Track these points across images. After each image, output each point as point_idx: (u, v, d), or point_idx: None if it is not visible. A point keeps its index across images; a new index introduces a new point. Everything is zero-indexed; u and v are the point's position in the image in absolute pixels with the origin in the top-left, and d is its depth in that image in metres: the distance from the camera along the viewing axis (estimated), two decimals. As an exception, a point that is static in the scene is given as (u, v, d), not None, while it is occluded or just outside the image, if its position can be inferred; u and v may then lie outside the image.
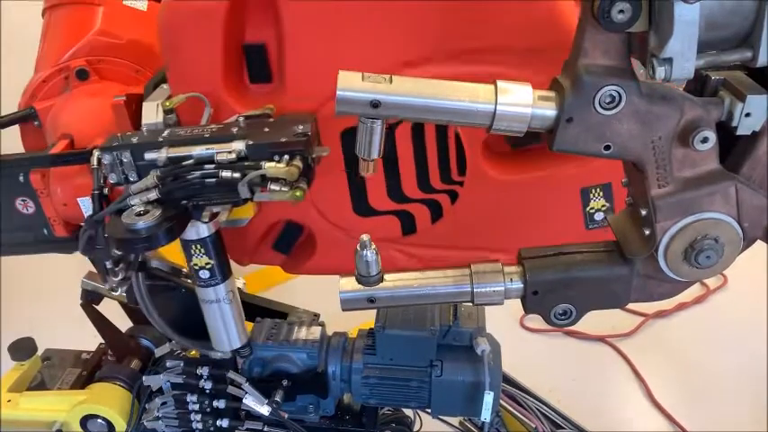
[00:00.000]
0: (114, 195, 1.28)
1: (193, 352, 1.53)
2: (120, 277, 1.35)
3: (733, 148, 0.88)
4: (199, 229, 1.26)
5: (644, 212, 0.89)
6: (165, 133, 1.20)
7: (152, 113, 1.30)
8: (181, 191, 1.14)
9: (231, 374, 1.48)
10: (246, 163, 1.13)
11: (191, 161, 1.15)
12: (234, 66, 1.27)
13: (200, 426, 1.57)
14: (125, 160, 1.18)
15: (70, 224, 1.53)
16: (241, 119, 1.22)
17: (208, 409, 1.53)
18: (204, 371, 1.49)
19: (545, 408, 2.35)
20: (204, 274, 1.33)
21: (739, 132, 0.84)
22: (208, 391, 1.51)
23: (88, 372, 1.73)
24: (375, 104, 0.84)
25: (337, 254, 1.42)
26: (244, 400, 1.47)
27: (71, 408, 1.62)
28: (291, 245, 1.49)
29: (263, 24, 1.23)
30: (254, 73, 1.29)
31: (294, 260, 1.51)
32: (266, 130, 1.18)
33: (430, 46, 1.16)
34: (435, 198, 1.36)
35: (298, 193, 1.10)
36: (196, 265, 1.32)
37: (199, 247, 1.29)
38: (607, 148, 0.85)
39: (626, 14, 0.77)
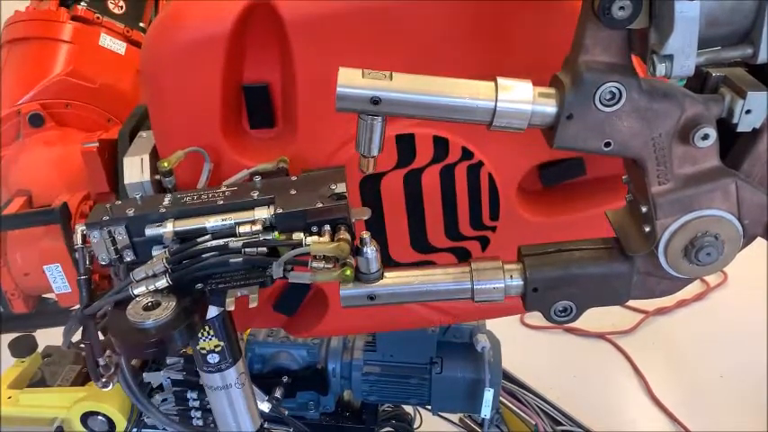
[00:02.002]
0: (96, 270, 1.07)
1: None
2: (112, 371, 1.10)
3: (733, 145, 0.88)
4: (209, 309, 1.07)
5: (644, 209, 0.89)
6: (167, 201, 1.01)
7: (136, 171, 1.10)
8: (196, 275, 0.95)
9: (231, 371, 1.48)
10: (277, 236, 0.94)
11: (206, 237, 0.96)
12: (233, 110, 1.11)
13: (200, 422, 1.57)
14: (119, 237, 0.98)
15: (31, 297, 1.33)
16: (257, 178, 1.04)
17: (208, 406, 1.53)
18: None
19: (545, 405, 2.35)
20: (213, 359, 1.14)
21: (740, 129, 0.84)
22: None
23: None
24: (375, 101, 0.83)
25: (353, 313, 1.21)
26: (244, 397, 1.46)
27: (71, 405, 1.63)
28: (297, 305, 1.31)
29: (266, 62, 1.07)
30: (255, 118, 1.12)
31: (301, 322, 1.33)
32: (293, 192, 0.99)
33: (482, 67, 1.02)
34: (464, 246, 1.24)
35: (348, 272, 0.91)
36: (203, 349, 1.13)
37: (207, 329, 1.10)
38: (607, 144, 0.85)
39: (626, 11, 0.77)
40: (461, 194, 1.18)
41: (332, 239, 0.92)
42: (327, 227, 0.94)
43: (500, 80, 0.84)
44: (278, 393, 1.53)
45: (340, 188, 0.99)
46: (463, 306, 1.28)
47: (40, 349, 1.81)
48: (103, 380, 1.07)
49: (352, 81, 0.83)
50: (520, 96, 0.83)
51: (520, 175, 1.18)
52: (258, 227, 0.94)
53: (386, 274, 0.95)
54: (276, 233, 0.95)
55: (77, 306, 1.23)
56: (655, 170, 0.86)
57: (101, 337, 1.04)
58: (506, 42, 1.04)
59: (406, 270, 0.98)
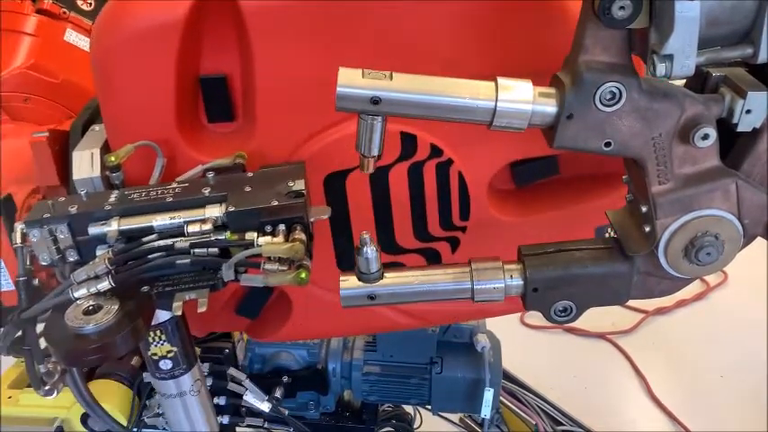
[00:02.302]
0: (38, 271, 1.01)
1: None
2: (56, 378, 1.01)
3: (733, 145, 0.88)
4: (159, 314, 1.01)
5: (644, 209, 0.89)
6: (113, 198, 0.95)
7: (86, 166, 1.04)
8: (142, 277, 0.89)
9: (232, 371, 1.48)
10: (229, 236, 0.89)
11: (152, 236, 0.90)
12: (189, 103, 1.05)
13: (200, 422, 1.57)
14: (61, 236, 0.92)
15: None
16: (211, 174, 0.97)
17: (208, 406, 1.53)
18: (204, 368, 1.48)
19: (545, 404, 2.35)
20: (166, 365, 1.08)
21: (740, 129, 0.84)
22: (208, 388, 1.47)
23: (89, 368, 1.72)
24: (375, 101, 0.83)
25: (318, 316, 1.21)
26: (244, 397, 1.47)
27: (72, 405, 1.63)
28: (259, 309, 1.26)
29: (224, 52, 1.02)
30: (213, 111, 1.06)
31: (263, 325, 1.30)
32: (248, 189, 0.94)
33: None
34: (433, 247, 1.21)
35: (303, 275, 0.87)
36: (155, 354, 1.07)
37: (158, 333, 1.05)
38: (608, 144, 0.85)
39: (627, 11, 0.77)
40: (430, 193, 1.15)
41: (286, 240, 0.87)
42: (282, 226, 0.89)
43: (500, 80, 0.84)
44: (278, 393, 1.53)
45: (298, 185, 0.94)
46: (429, 308, 1.26)
47: (40, 349, 1.81)
48: (46, 388, 0.99)
49: (352, 81, 0.83)
50: (520, 96, 0.83)
51: (491, 173, 1.15)
52: (209, 226, 0.89)
53: (386, 273, 0.95)
54: (228, 233, 0.90)
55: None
56: (655, 170, 0.86)
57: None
58: (503, 42, 1.02)
59: (405, 270, 0.98)
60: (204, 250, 0.88)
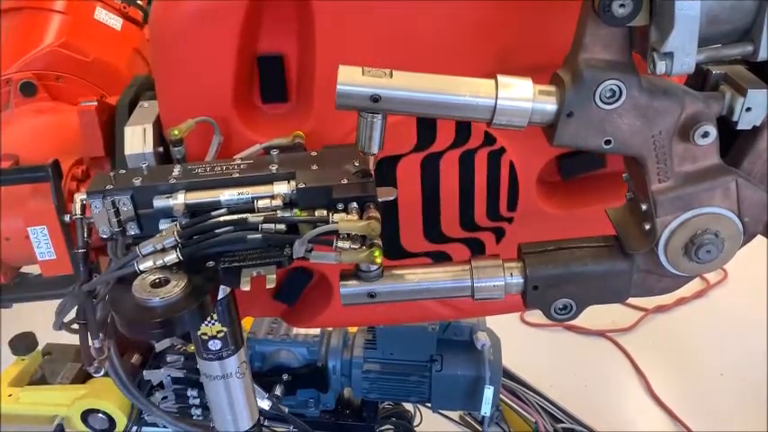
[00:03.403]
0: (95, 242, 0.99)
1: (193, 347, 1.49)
2: (105, 355, 1.03)
3: (734, 142, 0.88)
4: None
5: (644, 207, 0.89)
6: (176, 171, 0.93)
7: (138, 141, 1.04)
8: (210, 251, 0.88)
9: (232, 369, 1.48)
10: (298, 213, 0.88)
11: (221, 210, 0.89)
12: (245, 82, 1.06)
13: (200, 420, 1.57)
14: (123, 208, 0.90)
15: (11, 268, 1.24)
16: (275, 152, 0.96)
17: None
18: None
19: (545, 402, 2.36)
20: (215, 345, 1.06)
21: (740, 127, 0.84)
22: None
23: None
24: (375, 99, 0.83)
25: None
26: (244, 395, 1.46)
27: (72, 402, 1.63)
28: (298, 294, 1.24)
29: (283, 31, 1.02)
30: (268, 91, 1.07)
31: (301, 311, 1.28)
32: (314, 167, 0.93)
33: (491, 63, 0.98)
34: (478, 237, 1.20)
35: (376, 253, 0.85)
36: (205, 334, 1.05)
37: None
38: (608, 142, 0.85)
39: (627, 9, 0.77)
40: (480, 182, 1.14)
41: (360, 218, 0.86)
42: (355, 204, 0.87)
43: (500, 78, 0.84)
44: (278, 391, 1.53)
45: (363, 165, 0.92)
46: (470, 300, 1.26)
47: (40, 347, 1.82)
48: (95, 364, 1.00)
49: (352, 79, 0.83)
50: (520, 94, 0.83)
51: (541, 164, 1.14)
52: (278, 202, 0.88)
53: (386, 272, 0.95)
54: (297, 210, 0.88)
55: (61, 276, 1.17)
56: (655, 168, 0.86)
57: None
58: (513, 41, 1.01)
59: (405, 268, 0.98)
60: (272, 226, 0.86)
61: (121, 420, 1.63)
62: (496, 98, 0.83)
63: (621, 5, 0.76)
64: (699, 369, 2.89)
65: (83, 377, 1.72)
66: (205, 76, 1.01)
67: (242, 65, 1.02)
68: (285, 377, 1.57)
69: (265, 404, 1.47)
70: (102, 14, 1.57)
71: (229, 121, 1.04)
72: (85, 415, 1.63)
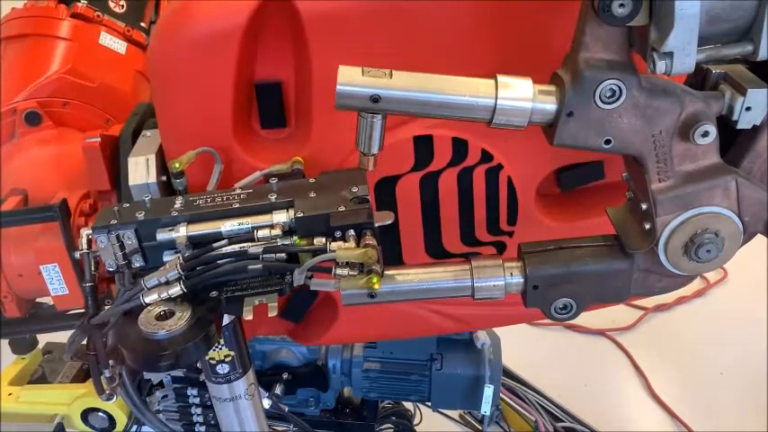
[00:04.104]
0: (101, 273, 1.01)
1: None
2: (116, 383, 1.05)
3: (733, 142, 0.88)
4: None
5: (644, 207, 0.89)
6: (178, 204, 0.95)
7: (142, 172, 1.05)
8: (212, 282, 0.90)
9: (232, 368, 1.48)
10: (297, 242, 0.89)
11: (222, 242, 0.90)
12: (244, 109, 1.06)
13: (200, 419, 1.57)
14: (128, 242, 0.92)
15: (25, 300, 1.26)
16: (274, 180, 0.97)
17: (208, 402, 1.53)
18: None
19: (545, 401, 2.36)
20: (222, 369, 1.09)
21: (740, 126, 0.84)
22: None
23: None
24: (375, 99, 0.83)
25: (364, 320, 1.19)
26: (244, 394, 1.47)
27: (72, 401, 1.63)
28: (304, 312, 1.27)
29: (279, 59, 1.03)
30: (267, 117, 1.08)
31: (307, 329, 1.30)
32: (312, 195, 0.94)
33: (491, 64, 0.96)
34: (480, 252, 1.21)
35: (374, 280, 0.86)
36: (213, 359, 1.08)
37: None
38: (607, 142, 0.85)
39: (626, 8, 0.77)
40: (479, 198, 1.15)
41: (357, 245, 0.88)
42: (352, 232, 0.89)
43: (500, 77, 0.84)
44: (278, 390, 1.53)
45: (362, 191, 0.94)
46: (476, 313, 1.26)
47: (40, 346, 1.82)
48: (107, 392, 1.02)
49: (351, 79, 0.83)
50: (520, 94, 0.83)
51: (539, 178, 1.15)
52: (277, 231, 0.90)
53: (386, 272, 0.95)
54: (296, 238, 0.90)
55: (74, 310, 1.21)
56: (655, 167, 0.86)
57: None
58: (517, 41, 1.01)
59: (406, 268, 0.98)
60: (272, 255, 0.88)
61: (121, 419, 1.63)
62: (496, 98, 0.83)
63: (621, 5, 0.76)
64: (699, 368, 2.89)
65: (83, 376, 1.72)
66: (205, 105, 1.01)
67: (240, 93, 1.03)
68: (285, 376, 1.57)
69: (265, 403, 1.47)
70: (106, 39, 1.58)
71: (230, 149, 1.05)
72: (86, 414, 1.63)
